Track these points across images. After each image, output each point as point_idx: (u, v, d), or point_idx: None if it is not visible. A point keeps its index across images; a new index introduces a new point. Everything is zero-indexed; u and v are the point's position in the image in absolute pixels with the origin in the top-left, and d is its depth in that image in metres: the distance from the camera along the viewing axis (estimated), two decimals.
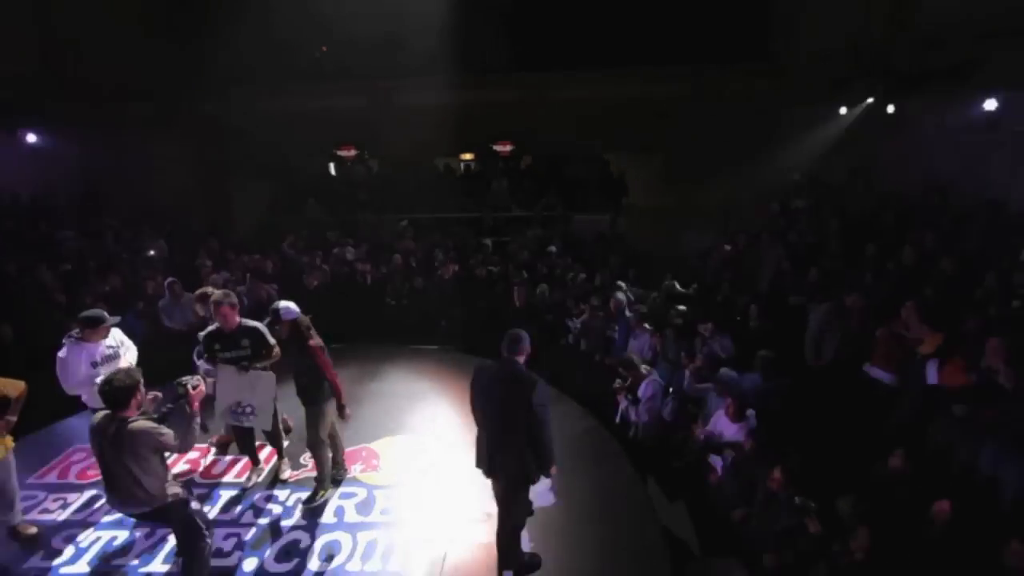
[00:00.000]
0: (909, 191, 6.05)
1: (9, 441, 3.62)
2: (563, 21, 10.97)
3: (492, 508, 3.28)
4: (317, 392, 3.75)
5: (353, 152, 12.31)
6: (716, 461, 3.92)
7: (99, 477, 3.10)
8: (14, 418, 3.51)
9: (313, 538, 3.67)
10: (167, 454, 2.99)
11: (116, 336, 3.97)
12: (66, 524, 3.82)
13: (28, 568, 3.45)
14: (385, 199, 9.71)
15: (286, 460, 4.28)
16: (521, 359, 3.03)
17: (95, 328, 3.80)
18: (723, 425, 3.94)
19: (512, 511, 3.12)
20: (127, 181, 10.04)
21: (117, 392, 2.80)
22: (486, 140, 11.74)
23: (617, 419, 4.90)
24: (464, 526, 3.67)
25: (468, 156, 11.78)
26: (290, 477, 4.23)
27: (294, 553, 3.55)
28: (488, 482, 3.20)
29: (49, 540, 3.67)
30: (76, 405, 4.13)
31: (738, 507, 3.51)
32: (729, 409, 3.88)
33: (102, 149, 9.73)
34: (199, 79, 12.02)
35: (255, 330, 3.82)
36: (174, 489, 3.00)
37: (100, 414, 2.89)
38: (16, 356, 5.40)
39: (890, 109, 6.60)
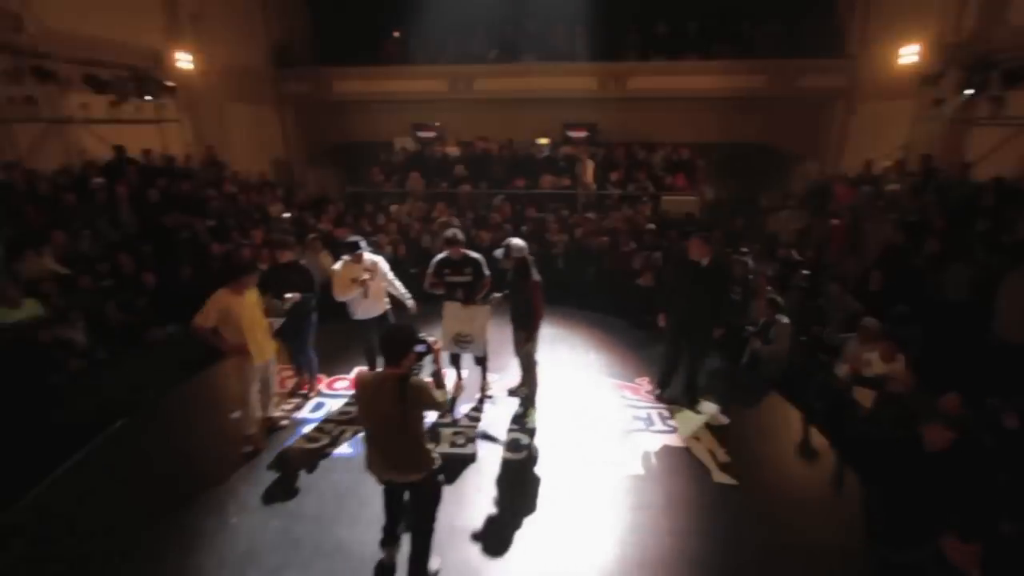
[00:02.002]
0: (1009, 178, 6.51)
1: (274, 344, 4.33)
2: (644, 10, 11.59)
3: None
4: (529, 319, 4.40)
5: (433, 134, 12.99)
6: None
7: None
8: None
9: (531, 436, 4.37)
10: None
11: (369, 259, 4.65)
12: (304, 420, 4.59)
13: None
14: (480, 175, 10.32)
15: (490, 378, 4.98)
16: None
17: (354, 251, 4.51)
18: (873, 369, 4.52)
19: None
20: (230, 150, 10.75)
21: (394, 345, 2.68)
22: (564, 125, 12.37)
23: (743, 360, 5.53)
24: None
25: (544, 140, 12.35)
26: (493, 393, 5.00)
27: (518, 447, 4.24)
28: None
29: (302, 427, 4.47)
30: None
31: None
32: (882, 352, 4.46)
33: (216, 120, 10.47)
34: (291, 58, 12.82)
35: (477, 261, 4.57)
36: (435, 453, 2.88)
37: (368, 374, 2.94)
38: (163, 300, 6.30)
39: (983, 101, 7.09)
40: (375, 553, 3.14)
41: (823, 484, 3.96)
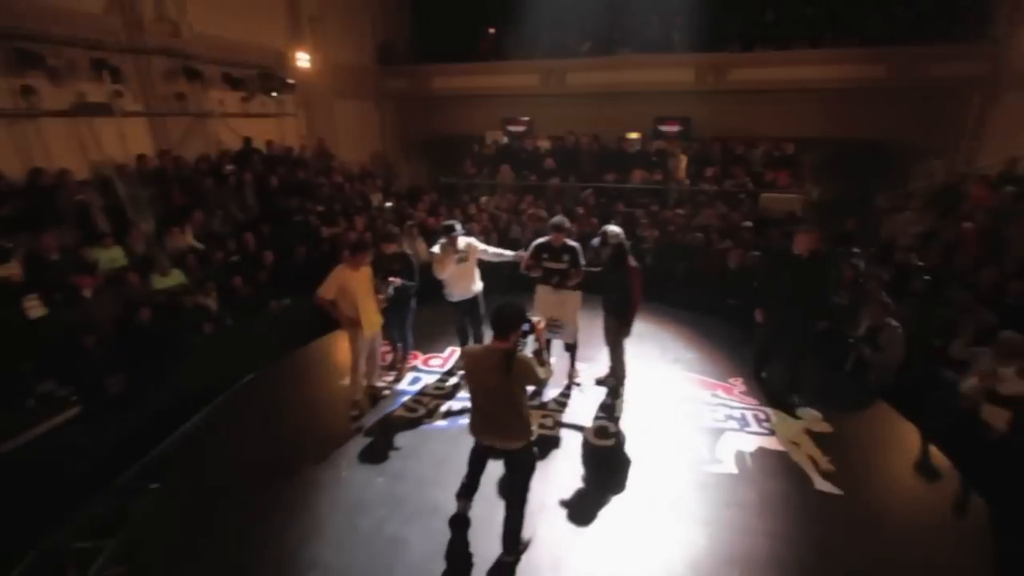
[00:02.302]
0: None
1: (380, 319, 4.68)
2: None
3: None
4: (625, 307, 4.42)
5: (523, 128, 13.19)
6: None
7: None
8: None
9: (619, 425, 4.40)
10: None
11: (463, 241, 4.88)
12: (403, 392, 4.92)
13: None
14: (569, 168, 10.37)
15: (578, 367, 5.06)
16: None
17: (452, 235, 4.76)
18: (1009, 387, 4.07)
19: None
20: (336, 143, 11.59)
21: (506, 320, 2.79)
22: (654, 120, 12.08)
23: (847, 367, 5.17)
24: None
25: (634, 135, 12.13)
26: (581, 381, 5.08)
27: (606, 434, 4.29)
28: None
29: (401, 397, 4.82)
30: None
31: None
32: (1020, 369, 4.00)
33: (326, 114, 11.34)
34: (394, 56, 13.56)
35: (574, 249, 4.64)
36: (533, 426, 3.03)
37: (476, 347, 3.10)
38: (280, 276, 6.97)
39: None
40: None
41: (939, 503, 3.64)
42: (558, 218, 4.68)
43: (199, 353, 5.85)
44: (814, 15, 10.60)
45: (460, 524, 3.31)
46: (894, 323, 4.87)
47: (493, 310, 2.88)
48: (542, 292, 4.73)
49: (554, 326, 4.69)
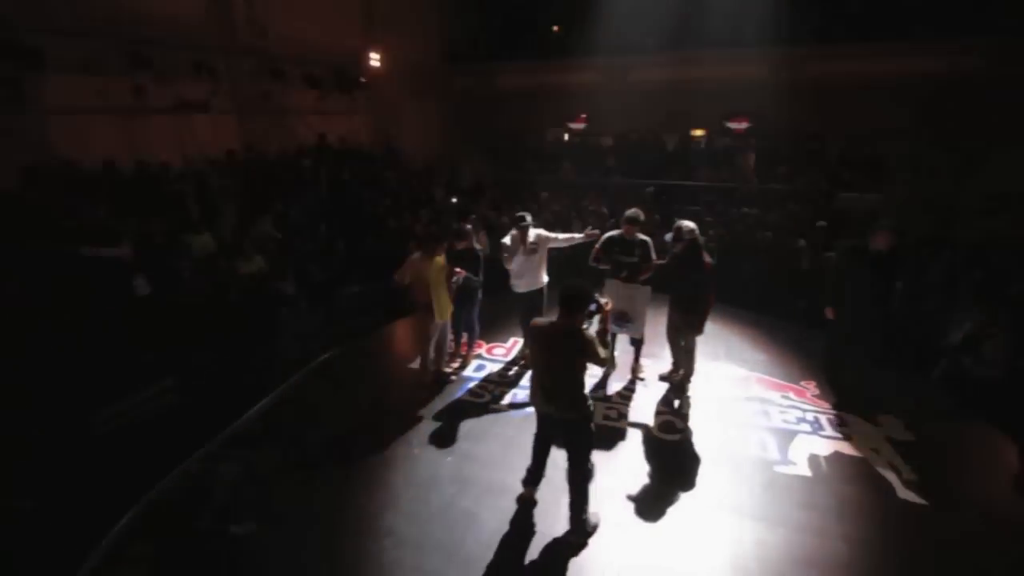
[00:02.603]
0: None
1: (451, 307, 4.84)
2: None
3: None
4: (696, 304, 4.36)
5: (584, 125, 13.17)
6: None
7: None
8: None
9: (685, 421, 4.35)
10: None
11: (534, 233, 4.97)
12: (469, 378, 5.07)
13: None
14: (632, 165, 10.27)
15: (642, 363, 5.05)
16: None
17: (523, 226, 4.85)
18: None
19: None
20: (402, 139, 12.01)
21: (574, 298, 2.87)
22: (721, 117, 11.74)
23: (938, 374, 4.86)
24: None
25: (699, 132, 11.85)
26: (645, 376, 5.07)
27: (672, 429, 4.26)
28: None
29: (467, 383, 4.97)
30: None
31: None
32: None
33: (393, 112, 11.76)
34: (459, 55, 13.87)
35: (645, 243, 4.62)
36: (590, 401, 3.08)
37: (543, 321, 3.08)
38: (350, 264, 7.27)
39: None
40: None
41: None
42: (632, 211, 4.65)
43: (278, 333, 6.27)
44: (903, 4, 9.94)
45: (527, 506, 3.40)
46: (1002, 333, 4.53)
47: (562, 287, 2.95)
48: (611, 286, 4.72)
49: (621, 321, 4.68)
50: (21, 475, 4.12)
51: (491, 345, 5.77)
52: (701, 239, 4.41)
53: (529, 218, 4.95)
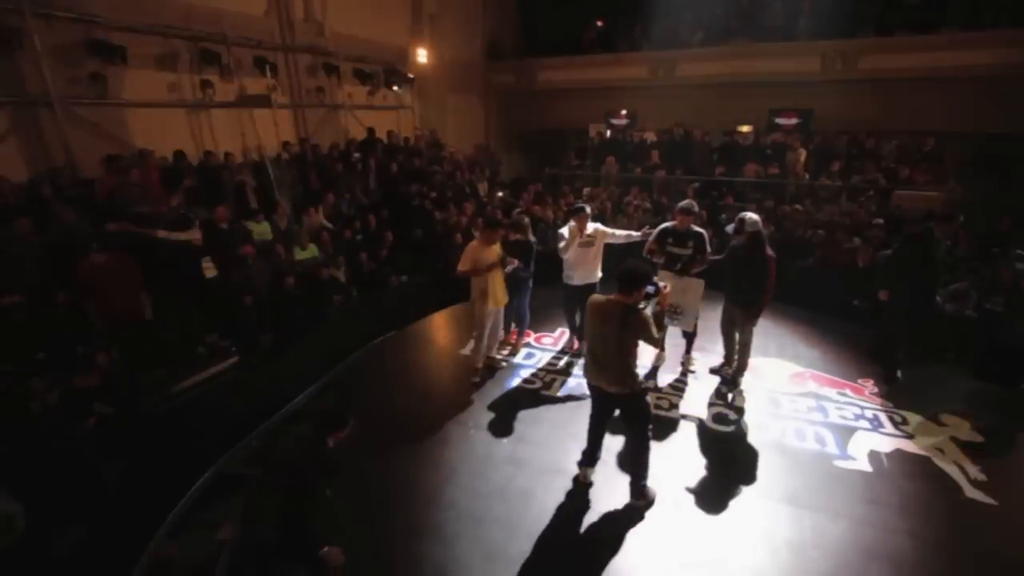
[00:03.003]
0: None
1: (505, 295, 4.94)
2: None
3: None
4: (756, 298, 4.32)
5: (626, 121, 13.07)
6: None
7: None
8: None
9: (739, 414, 4.34)
10: None
11: (591, 226, 5.01)
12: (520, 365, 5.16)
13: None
14: (676, 161, 10.16)
15: (693, 356, 5.05)
16: None
17: (580, 216, 4.84)
18: None
19: None
20: (445, 134, 12.19)
21: (633, 278, 2.97)
22: (770, 112, 11.47)
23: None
24: None
25: (746, 128, 11.59)
26: (695, 369, 5.07)
27: (725, 420, 4.26)
28: None
29: (518, 369, 5.04)
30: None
31: None
32: None
33: (438, 107, 11.96)
34: (501, 51, 13.98)
35: (700, 235, 4.60)
36: (641, 378, 3.18)
37: (601, 297, 3.17)
38: (399, 254, 7.46)
39: None
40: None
41: None
42: (687, 202, 4.65)
43: (333, 318, 6.53)
44: None
45: (583, 486, 3.48)
46: None
47: (621, 267, 3.04)
48: (664, 278, 4.61)
49: (675, 313, 4.66)
50: (106, 442, 4.40)
51: (539, 334, 5.86)
52: (764, 232, 4.37)
53: (588, 209, 4.95)
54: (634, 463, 3.30)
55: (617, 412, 3.25)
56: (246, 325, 5.94)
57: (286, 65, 8.27)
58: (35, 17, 5.20)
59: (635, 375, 3.09)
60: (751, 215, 4.35)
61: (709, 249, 4.60)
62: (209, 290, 5.97)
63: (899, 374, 4.79)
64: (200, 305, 5.88)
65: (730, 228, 4.40)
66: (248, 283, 6.18)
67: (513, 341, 5.60)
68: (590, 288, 5.02)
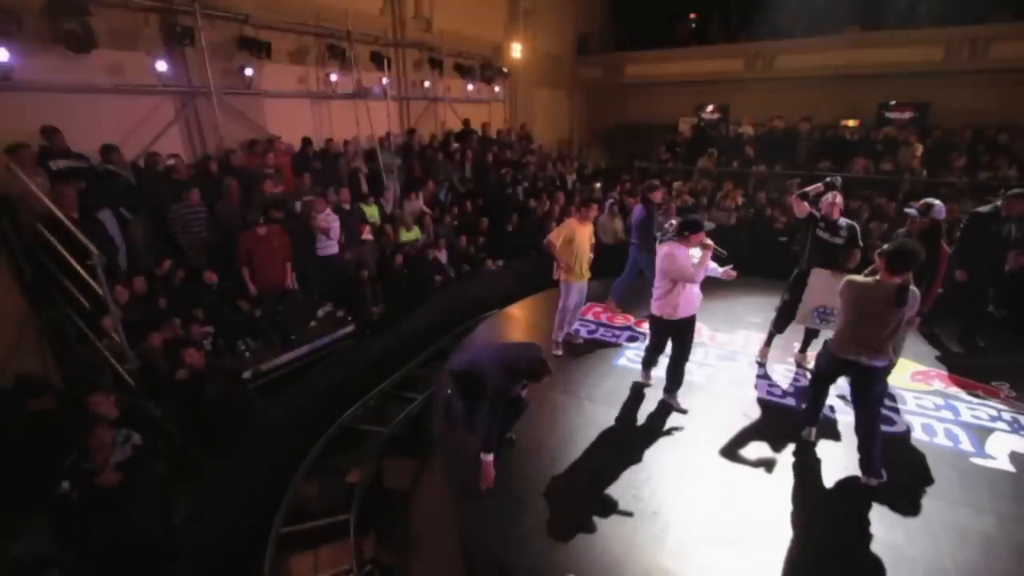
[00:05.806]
0: None
1: (589, 272, 5.06)
2: None
3: None
4: (927, 293, 4.01)
5: (717, 115, 12.74)
6: None
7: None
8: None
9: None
10: None
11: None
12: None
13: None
14: (773, 155, 9.82)
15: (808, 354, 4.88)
16: None
17: (695, 231, 3.81)
18: None
19: None
20: (534, 127, 12.43)
21: (905, 258, 3.07)
22: (878, 106, 10.79)
23: None
24: None
25: (852, 123, 10.95)
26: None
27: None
28: None
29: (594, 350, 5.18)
30: None
31: None
32: None
33: (528, 100, 12.23)
34: (590, 46, 14.05)
35: (852, 227, 4.33)
36: (891, 352, 3.30)
37: (863, 279, 3.22)
38: (493, 241, 7.78)
39: None
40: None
41: None
42: (836, 178, 4.42)
43: (437, 295, 6.94)
44: None
45: (807, 446, 3.73)
46: None
47: (895, 245, 3.15)
48: (819, 277, 4.20)
49: (827, 317, 4.25)
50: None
51: (624, 315, 6.06)
52: (946, 224, 4.17)
53: (708, 225, 3.99)
54: (868, 439, 3.32)
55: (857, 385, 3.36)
56: (361, 298, 6.45)
57: (396, 59, 8.80)
58: (203, 16, 5.93)
59: (890, 349, 3.25)
60: (938, 202, 4.18)
61: (861, 244, 4.30)
62: (328, 264, 6.52)
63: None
64: (317, 278, 6.45)
65: (913, 211, 4.22)
66: (363, 259, 6.70)
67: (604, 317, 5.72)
68: (688, 321, 4.09)
